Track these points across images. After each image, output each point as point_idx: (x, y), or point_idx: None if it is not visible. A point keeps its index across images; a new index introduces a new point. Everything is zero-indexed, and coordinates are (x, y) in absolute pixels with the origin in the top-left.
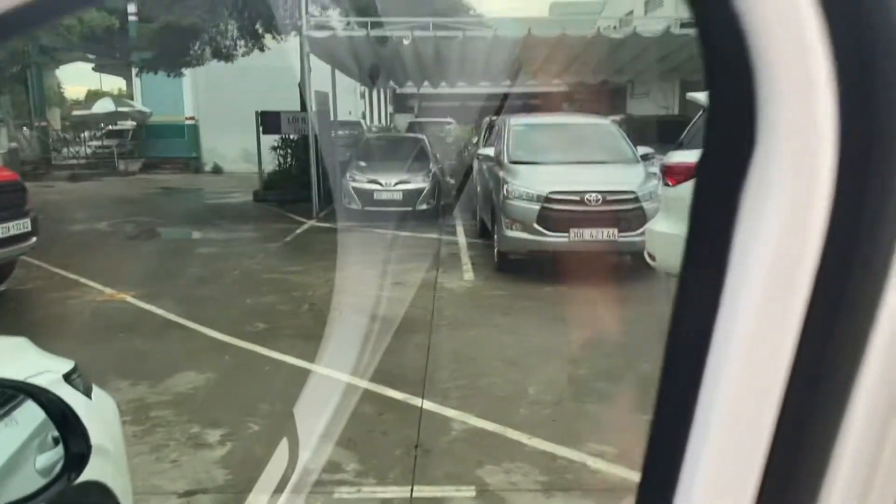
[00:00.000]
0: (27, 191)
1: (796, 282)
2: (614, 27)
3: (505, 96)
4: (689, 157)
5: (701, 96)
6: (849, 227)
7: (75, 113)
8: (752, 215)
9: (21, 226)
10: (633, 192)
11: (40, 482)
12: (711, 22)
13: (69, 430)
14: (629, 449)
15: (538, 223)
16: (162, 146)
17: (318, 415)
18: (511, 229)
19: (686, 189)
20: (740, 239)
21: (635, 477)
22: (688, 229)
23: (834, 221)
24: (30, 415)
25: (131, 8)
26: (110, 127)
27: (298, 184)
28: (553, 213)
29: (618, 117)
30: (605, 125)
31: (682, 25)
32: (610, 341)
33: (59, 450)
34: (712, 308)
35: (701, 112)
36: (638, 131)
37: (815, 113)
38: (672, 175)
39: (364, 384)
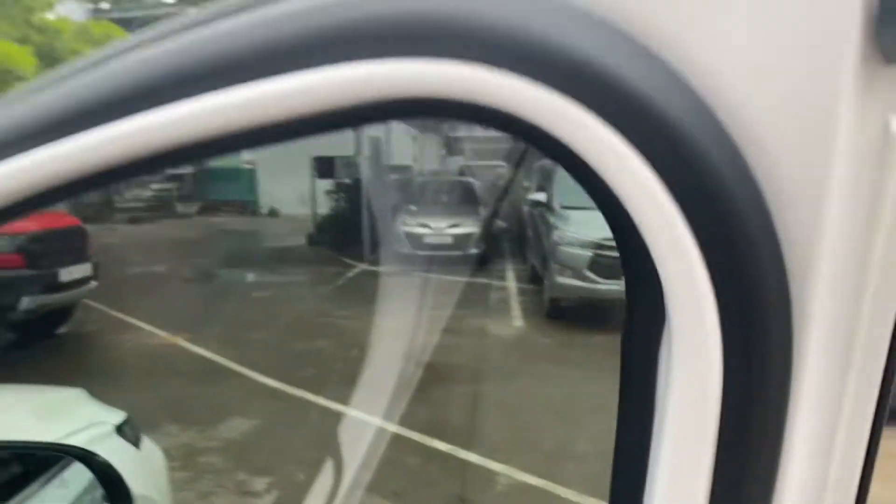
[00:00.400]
0: (88, 235)
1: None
2: None
3: None
4: None
5: None
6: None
7: None
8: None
9: (82, 270)
10: None
11: None
12: (627, 240)
13: (114, 491)
14: None
15: (590, 270)
16: (220, 190)
17: (363, 464)
18: (562, 275)
19: None
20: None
21: None
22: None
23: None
24: (78, 475)
25: None
26: (170, 171)
27: (351, 227)
28: (605, 260)
29: None
30: None
31: None
32: None
33: None
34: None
35: None
36: None
37: (704, 326)
38: None
39: (409, 434)
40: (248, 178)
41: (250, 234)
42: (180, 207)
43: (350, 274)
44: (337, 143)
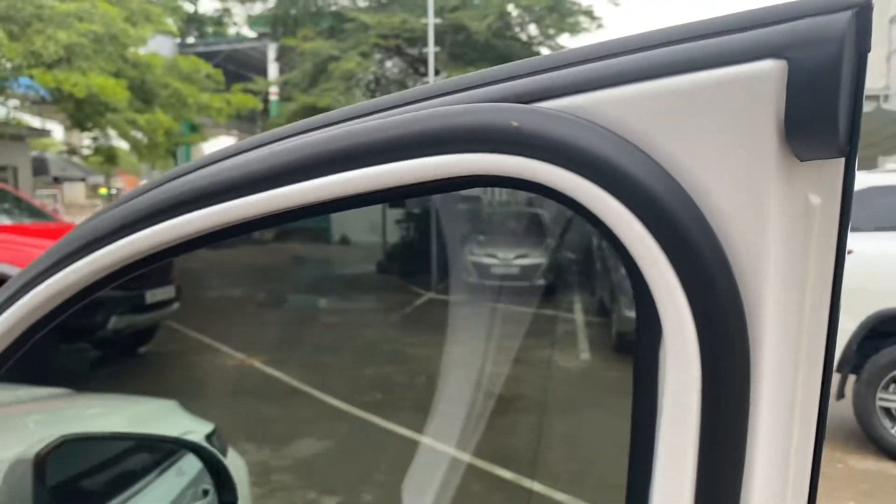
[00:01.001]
0: (172, 260)
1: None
2: None
3: None
4: None
5: None
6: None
7: None
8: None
9: (166, 293)
10: None
11: None
12: (636, 278)
13: (222, 482)
14: None
15: None
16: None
17: (427, 489)
18: (630, 309)
19: None
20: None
21: None
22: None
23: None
24: (190, 467)
25: (273, 88)
26: None
27: (419, 256)
28: None
29: None
30: None
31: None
32: None
33: (211, 499)
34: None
35: None
36: None
37: (685, 336)
38: None
39: (475, 461)
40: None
41: (322, 260)
42: (257, 233)
43: (417, 302)
44: None
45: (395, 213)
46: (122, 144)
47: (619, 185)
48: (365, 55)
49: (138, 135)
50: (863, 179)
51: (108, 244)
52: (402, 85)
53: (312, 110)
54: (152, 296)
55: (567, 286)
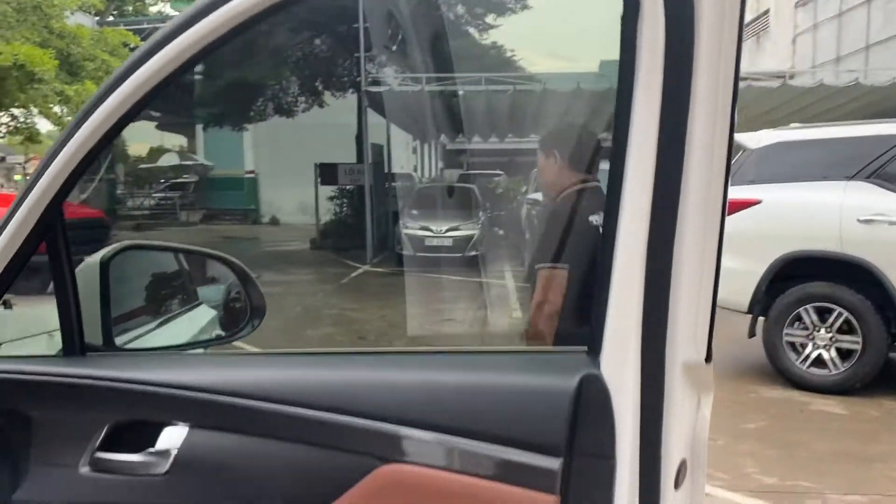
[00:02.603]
0: (110, 227)
1: None
2: None
3: None
4: (730, 193)
5: (741, 138)
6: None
7: (141, 166)
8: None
9: None
10: None
11: (232, 328)
12: None
13: (250, 288)
14: None
15: None
16: (222, 198)
17: None
18: None
19: (727, 224)
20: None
21: None
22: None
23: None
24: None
25: (198, 67)
26: (173, 180)
27: (353, 232)
28: None
29: None
30: None
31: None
32: None
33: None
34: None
35: (741, 152)
36: None
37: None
38: None
39: None
40: (249, 187)
41: (253, 240)
42: (184, 216)
43: (353, 274)
44: (339, 154)
45: (327, 191)
46: (44, 124)
47: None
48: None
49: (64, 110)
50: (771, 136)
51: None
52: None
53: (242, 87)
54: None
55: (498, 257)
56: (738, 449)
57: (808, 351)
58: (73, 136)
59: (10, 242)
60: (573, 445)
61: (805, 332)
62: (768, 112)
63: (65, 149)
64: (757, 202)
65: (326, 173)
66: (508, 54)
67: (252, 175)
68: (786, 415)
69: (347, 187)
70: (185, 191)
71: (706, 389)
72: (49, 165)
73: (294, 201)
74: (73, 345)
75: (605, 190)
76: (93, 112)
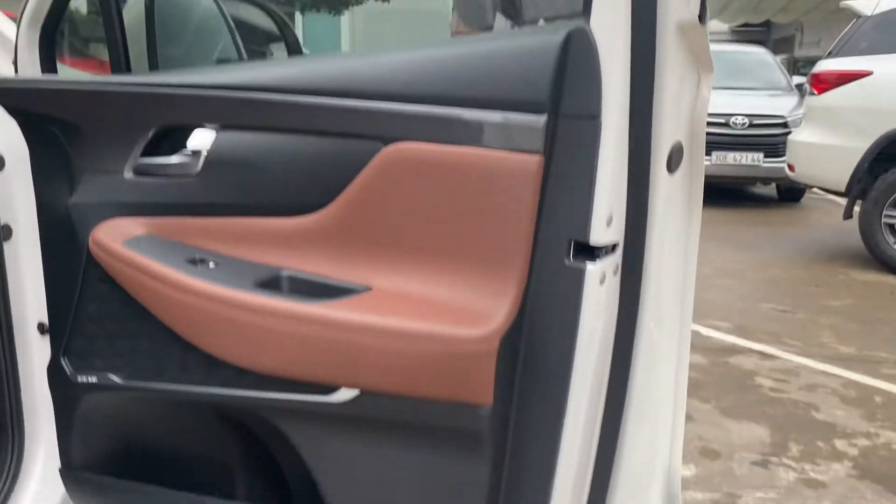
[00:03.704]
0: None
1: None
2: None
3: None
4: (838, 64)
5: (856, 4)
6: None
7: None
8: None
9: None
10: (781, 118)
11: None
12: None
13: (286, 35)
14: None
15: None
16: None
17: None
18: None
19: (832, 98)
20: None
21: None
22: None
23: None
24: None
25: None
26: None
27: None
28: None
29: (780, 56)
30: (759, 54)
31: None
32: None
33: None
34: None
35: (854, 20)
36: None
37: None
38: (818, 83)
39: None
40: None
41: None
42: None
43: None
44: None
45: None
46: None
47: None
48: None
49: None
50: (891, 0)
51: None
52: None
53: None
54: None
55: None
56: (818, 321)
57: None
58: None
59: None
60: (559, 103)
61: None
62: None
63: None
64: (867, 73)
65: None
66: None
67: None
68: (874, 295)
69: None
70: None
71: (706, 68)
72: None
73: None
74: (120, 67)
75: None
76: None
